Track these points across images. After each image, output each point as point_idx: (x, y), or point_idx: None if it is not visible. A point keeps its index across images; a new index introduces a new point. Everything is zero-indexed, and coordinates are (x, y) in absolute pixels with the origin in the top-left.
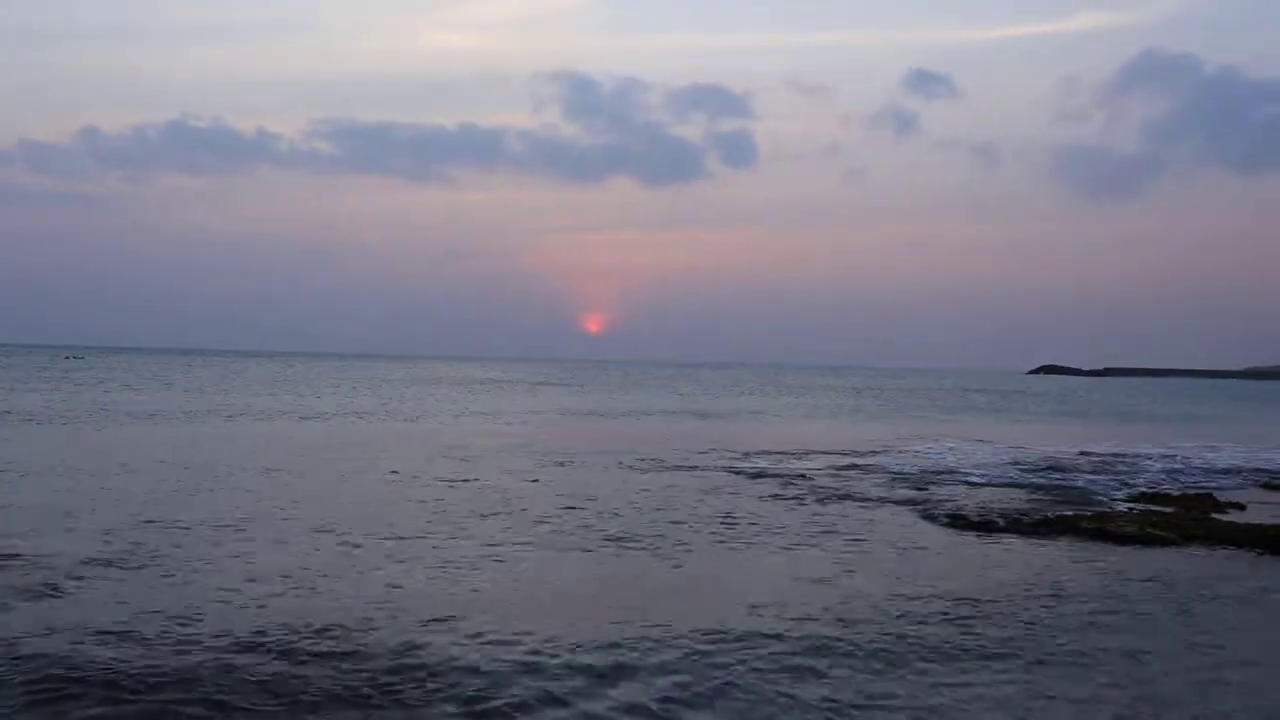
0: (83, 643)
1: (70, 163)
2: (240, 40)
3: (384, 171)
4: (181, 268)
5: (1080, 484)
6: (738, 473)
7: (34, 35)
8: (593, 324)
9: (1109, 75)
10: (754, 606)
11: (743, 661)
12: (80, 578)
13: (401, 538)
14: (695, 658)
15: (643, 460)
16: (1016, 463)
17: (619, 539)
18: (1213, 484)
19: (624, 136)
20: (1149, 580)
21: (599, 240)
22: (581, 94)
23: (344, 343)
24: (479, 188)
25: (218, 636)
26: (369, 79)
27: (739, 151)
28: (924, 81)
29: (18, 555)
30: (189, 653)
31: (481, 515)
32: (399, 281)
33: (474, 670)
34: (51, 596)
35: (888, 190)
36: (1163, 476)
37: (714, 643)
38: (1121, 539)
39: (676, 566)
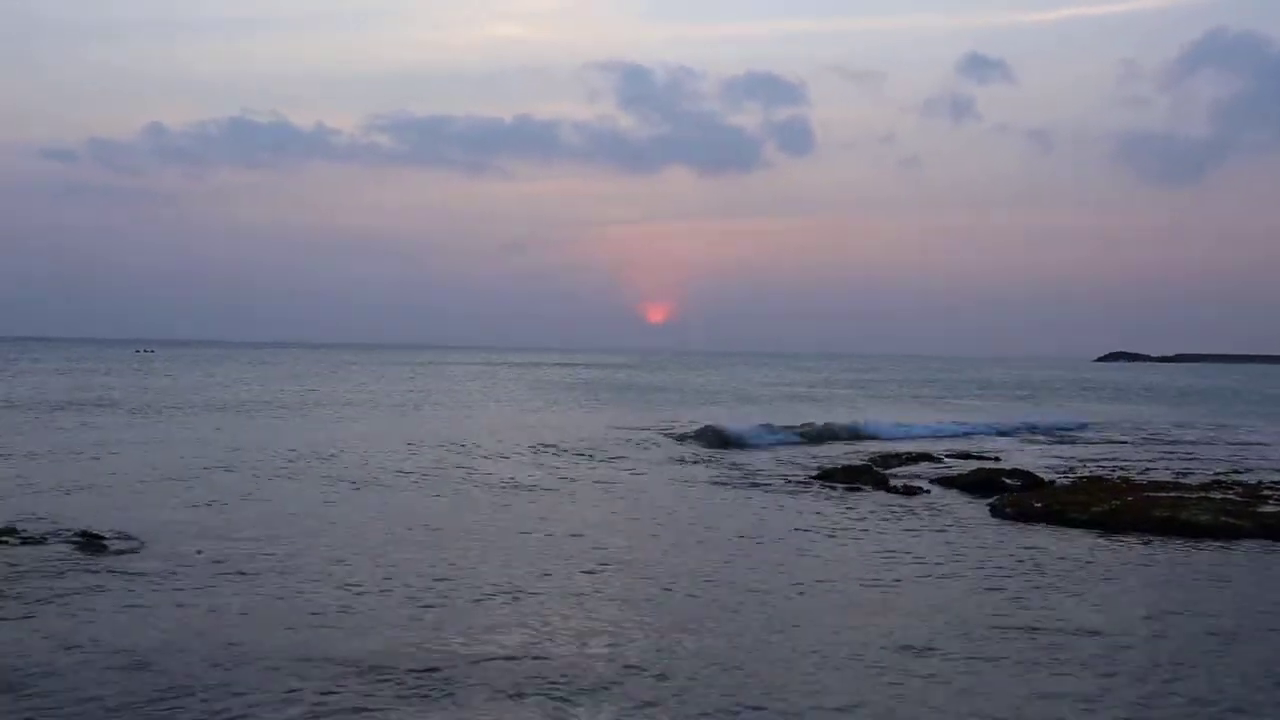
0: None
1: (136, 159)
2: (298, 35)
3: (441, 164)
4: (243, 262)
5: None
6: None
7: (101, 33)
8: (654, 314)
9: (1172, 56)
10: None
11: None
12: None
13: None
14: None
15: None
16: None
17: None
18: None
19: (678, 126)
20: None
21: (656, 230)
22: (634, 84)
23: (403, 334)
24: (535, 179)
25: None
26: (425, 72)
27: (796, 139)
28: (979, 66)
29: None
30: None
31: None
32: (457, 274)
33: None
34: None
35: (946, 176)
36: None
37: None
38: (1198, 530)
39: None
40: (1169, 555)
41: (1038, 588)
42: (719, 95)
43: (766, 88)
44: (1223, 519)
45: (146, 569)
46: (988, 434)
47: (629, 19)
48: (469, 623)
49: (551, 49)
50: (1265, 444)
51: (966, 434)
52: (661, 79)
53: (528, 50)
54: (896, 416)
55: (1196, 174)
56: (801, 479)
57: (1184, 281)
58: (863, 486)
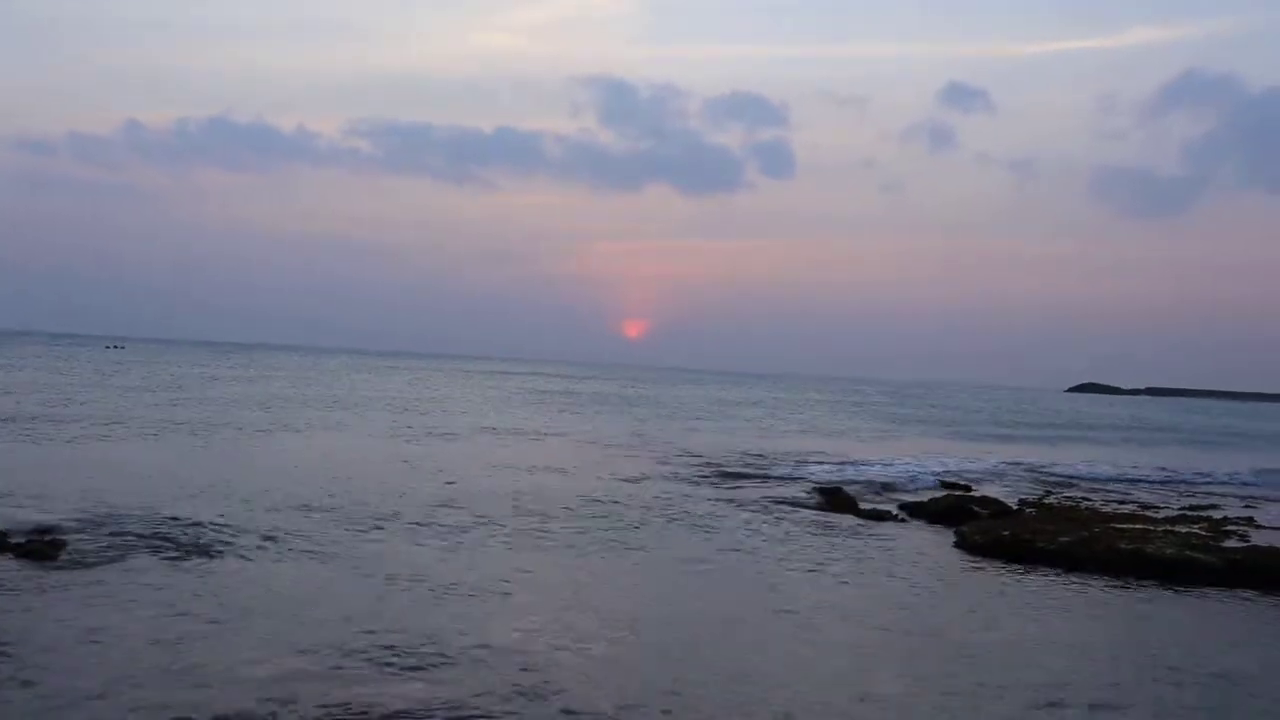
0: None
1: (114, 155)
2: (283, 38)
3: (421, 172)
4: (219, 262)
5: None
6: None
7: (81, 28)
8: (630, 330)
9: (1149, 93)
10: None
11: None
12: None
13: None
14: None
15: None
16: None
17: None
18: None
19: (661, 144)
20: None
21: (637, 247)
22: (618, 100)
23: (377, 340)
24: (516, 191)
25: None
26: (408, 79)
27: (778, 161)
28: (960, 95)
29: None
30: None
31: None
32: (434, 281)
33: None
34: None
35: (925, 203)
36: None
37: None
38: (1162, 563)
39: None
40: (1124, 599)
41: (978, 629)
42: (702, 114)
43: (750, 108)
44: (1187, 553)
45: None
46: (1157, 481)
47: (614, 35)
48: None
49: (536, 62)
50: (1229, 479)
51: (1140, 481)
52: (645, 95)
53: (511, 62)
54: (999, 455)
55: (1172, 209)
56: (773, 502)
57: (1156, 315)
58: (831, 511)
